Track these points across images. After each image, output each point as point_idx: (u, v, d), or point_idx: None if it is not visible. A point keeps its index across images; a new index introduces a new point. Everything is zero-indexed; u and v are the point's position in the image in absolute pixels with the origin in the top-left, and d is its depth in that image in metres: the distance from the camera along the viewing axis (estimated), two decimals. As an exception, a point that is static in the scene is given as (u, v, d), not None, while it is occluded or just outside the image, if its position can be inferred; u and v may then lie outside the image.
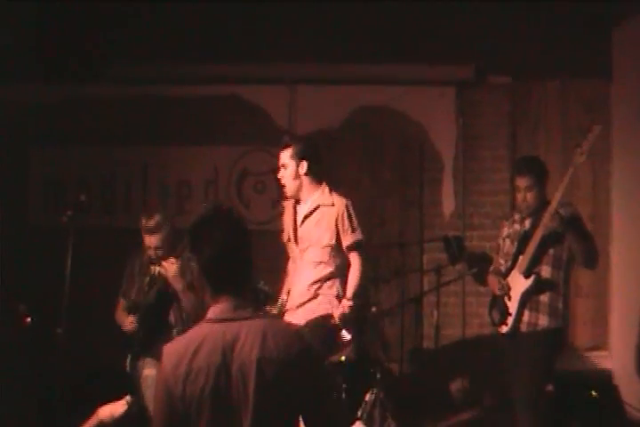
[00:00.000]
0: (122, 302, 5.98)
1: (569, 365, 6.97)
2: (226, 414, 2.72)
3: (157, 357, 5.41)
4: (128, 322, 5.78)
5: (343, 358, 6.23)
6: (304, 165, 5.43)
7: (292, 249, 5.70)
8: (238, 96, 7.99)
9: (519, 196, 5.63)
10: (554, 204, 5.33)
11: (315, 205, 5.50)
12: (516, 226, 5.75)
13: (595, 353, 7.72)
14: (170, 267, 5.65)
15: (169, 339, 5.36)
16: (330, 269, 5.52)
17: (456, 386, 7.80)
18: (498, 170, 7.86)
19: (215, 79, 7.90)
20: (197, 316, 5.03)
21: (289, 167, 5.47)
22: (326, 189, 5.53)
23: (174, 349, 2.82)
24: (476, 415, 7.27)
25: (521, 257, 5.53)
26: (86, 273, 6.27)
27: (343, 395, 5.94)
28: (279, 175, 5.56)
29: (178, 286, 5.68)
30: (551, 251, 5.50)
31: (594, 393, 6.54)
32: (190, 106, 7.93)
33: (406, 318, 7.22)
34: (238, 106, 7.99)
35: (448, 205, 7.97)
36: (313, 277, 5.52)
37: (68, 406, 5.55)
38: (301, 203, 5.59)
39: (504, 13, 7.61)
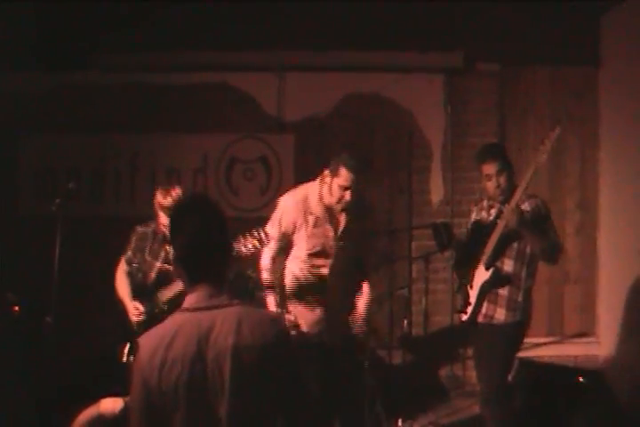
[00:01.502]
0: (123, 265, 5.78)
1: (556, 351, 7.03)
2: (202, 402, 2.72)
3: None
4: (134, 309, 5.57)
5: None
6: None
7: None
8: (227, 84, 7.96)
9: (490, 183, 5.51)
10: (514, 200, 5.28)
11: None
12: (483, 213, 5.73)
13: (582, 339, 7.78)
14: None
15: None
16: None
17: (445, 373, 7.85)
18: (487, 157, 7.86)
19: (204, 67, 7.86)
20: None
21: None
22: None
23: (149, 340, 2.79)
24: (466, 402, 7.31)
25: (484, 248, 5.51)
26: (76, 262, 6.26)
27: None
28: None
29: None
30: (515, 244, 5.45)
31: (581, 379, 6.55)
32: (179, 94, 7.90)
33: (395, 305, 7.23)
34: (227, 93, 7.97)
35: (437, 192, 8.00)
36: None
37: (58, 395, 5.56)
38: None
39: (493, 1, 7.60)
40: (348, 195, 5.16)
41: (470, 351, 7.48)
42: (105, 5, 7.55)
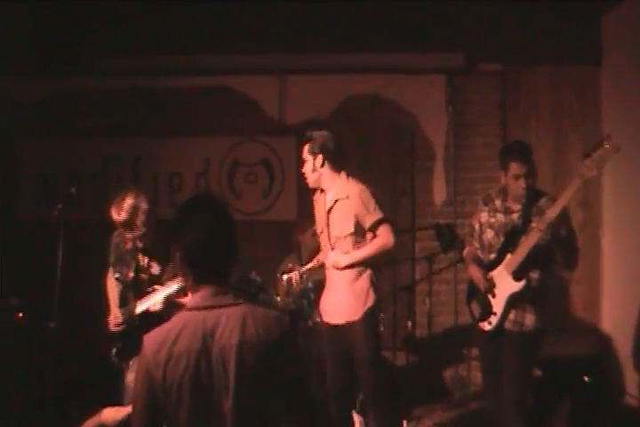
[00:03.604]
0: (111, 273, 5.77)
1: (561, 350, 7.00)
2: (206, 399, 2.75)
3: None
4: (114, 318, 5.56)
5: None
6: (319, 159, 5.59)
7: (324, 241, 5.77)
8: (228, 87, 8.01)
9: (518, 183, 5.31)
10: (555, 212, 5.03)
11: (334, 200, 5.59)
12: (500, 216, 5.53)
13: (587, 338, 7.75)
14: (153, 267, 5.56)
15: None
16: None
17: (450, 374, 7.84)
18: (489, 157, 7.84)
19: (205, 70, 7.90)
20: None
21: (307, 162, 5.66)
22: (344, 178, 5.63)
23: (155, 336, 2.82)
24: (470, 404, 7.30)
25: (509, 255, 5.36)
26: (79, 267, 6.27)
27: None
28: (302, 169, 5.74)
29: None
30: (542, 256, 5.30)
31: (586, 379, 6.55)
32: (180, 97, 7.97)
33: (399, 306, 7.25)
34: (228, 97, 8.02)
35: (439, 193, 8.00)
36: (344, 274, 5.58)
37: (62, 400, 5.57)
38: (326, 194, 5.70)
39: (494, 1, 7.59)
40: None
41: (475, 352, 7.53)
42: (105, 10, 7.58)
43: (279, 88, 8.03)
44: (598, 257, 7.84)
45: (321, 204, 5.73)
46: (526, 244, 5.24)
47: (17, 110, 7.79)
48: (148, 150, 7.90)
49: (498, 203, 5.59)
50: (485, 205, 5.68)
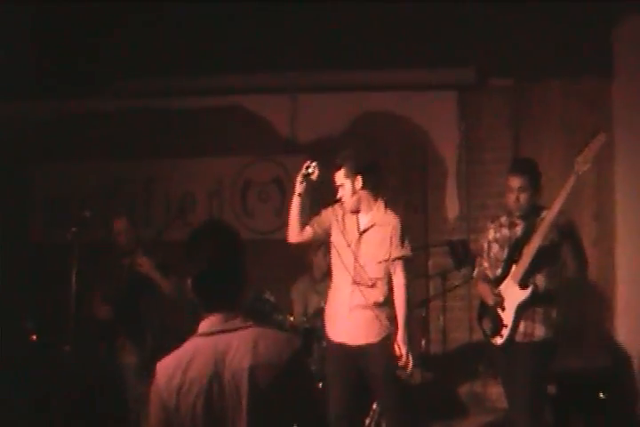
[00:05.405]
0: (98, 295, 6.18)
1: (575, 363, 6.98)
2: (220, 423, 2.72)
3: (134, 343, 5.71)
4: (103, 311, 6.02)
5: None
6: (359, 181, 5.32)
7: (347, 257, 5.42)
8: (240, 107, 8.05)
9: (511, 196, 5.41)
10: (554, 212, 5.14)
11: (371, 223, 5.36)
12: (505, 230, 5.57)
13: (603, 352, 7.71)
14: (144, 262, 5.95)
15: (142, 327, 5.70)
16: (386, 286, 5.39)
17: (465, 390, 7.82)
18: (501, 172, 7.72)
19: (216, 90, 7.97)
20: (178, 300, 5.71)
21: (344, 186, 5.38)
22: (382, 207, 5.41)
23: (167, 363, 2.81)
24: (486, 419, 7.27)
25: (514, 266, 5.36)
26: (91, 289, 6.31)
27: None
28: (338, 195, 5.43)
29: (156, 276, 5.99)
30: (546, 260, 5.32)
31: (601, 395, 6.51)
32: (192, 118, 7.99)
33: (412, 322, 7.22)
34: (240, 116, 8.05)
35: (452, 208, 7.98)
36: (372, 297, 5.35)
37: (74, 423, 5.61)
38: (361, 213, 5.45)
39: (503, 15, 7.58)
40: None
41: (490, 368, 7.51)
42: (115, 32, 7.64)
43: (291, 107, 8.06)
44: (612, 271, 7.79)
45: (351, 223, 5.46)
46: (530, 249, 5.28)
47: (28, 132, 7.84)
48: (160, 171, 7.95)
49: (504, 219, 5.65)
50: (492, 222, 5.75)
